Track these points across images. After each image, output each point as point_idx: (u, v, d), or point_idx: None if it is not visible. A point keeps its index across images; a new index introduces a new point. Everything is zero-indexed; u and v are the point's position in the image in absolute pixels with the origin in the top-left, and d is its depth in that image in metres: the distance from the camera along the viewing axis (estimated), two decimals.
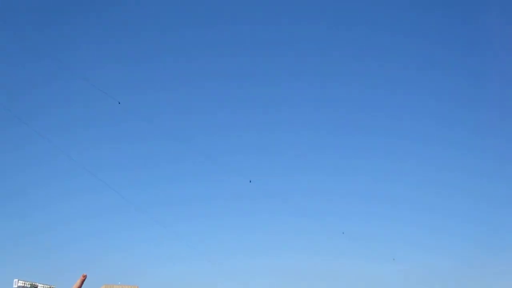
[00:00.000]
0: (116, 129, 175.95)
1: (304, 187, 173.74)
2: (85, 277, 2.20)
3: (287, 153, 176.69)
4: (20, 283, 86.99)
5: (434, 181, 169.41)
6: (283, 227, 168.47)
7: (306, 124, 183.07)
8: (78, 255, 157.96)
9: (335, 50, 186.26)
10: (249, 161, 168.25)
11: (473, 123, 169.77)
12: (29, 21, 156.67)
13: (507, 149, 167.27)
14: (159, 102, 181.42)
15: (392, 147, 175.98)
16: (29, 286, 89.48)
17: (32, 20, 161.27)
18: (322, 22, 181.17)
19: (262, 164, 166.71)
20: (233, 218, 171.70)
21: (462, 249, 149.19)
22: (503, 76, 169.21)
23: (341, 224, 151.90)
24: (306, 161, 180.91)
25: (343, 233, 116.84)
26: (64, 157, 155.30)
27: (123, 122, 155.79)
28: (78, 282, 2.04)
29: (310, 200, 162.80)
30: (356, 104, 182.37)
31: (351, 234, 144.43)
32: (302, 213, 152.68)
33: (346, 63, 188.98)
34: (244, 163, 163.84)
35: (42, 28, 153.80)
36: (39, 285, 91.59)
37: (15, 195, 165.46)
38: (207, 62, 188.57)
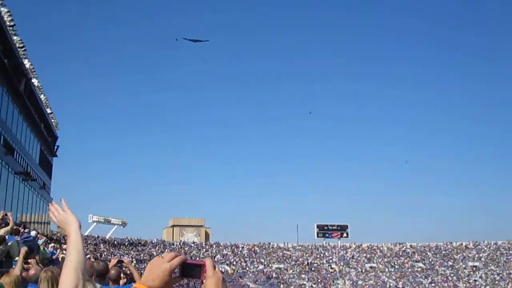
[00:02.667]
0: None
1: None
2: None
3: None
4: (95, 218, 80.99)
5: None
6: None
7: None
8: (148, 191, 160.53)
9: None
10: None
11: None
12: None
13: None
14: None
15: None
16: (103, 220, 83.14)
17: None
18: None
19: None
20: (293, 150, 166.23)
21: None
22: None
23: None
24: None
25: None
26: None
27: None
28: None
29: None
30: None
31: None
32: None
33: None
34: None
35: None
36: (112, 219, 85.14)
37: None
38: None
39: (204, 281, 1.67)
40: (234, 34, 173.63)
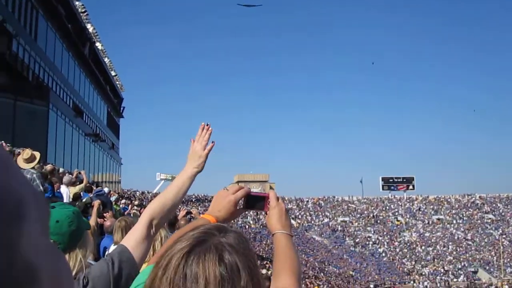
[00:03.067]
0: None
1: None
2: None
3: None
4: (163, 176, 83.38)
5: None
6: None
7: None
8: (214, 148, 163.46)
9: None
10: None
11: None
12: None
13: None
14: None
15: None
16: (171, 178, 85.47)
17: None
18: None
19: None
20: (357, 103, 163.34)
21: None
22: None
23: None
24: None
25: None
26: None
27: None
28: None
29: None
30: None
31: None
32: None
33: None
34: None
35: None
36: None
37: None
38: None
39: (267, 212, 1.72)
40: None
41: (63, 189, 10.93)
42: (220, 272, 0.88)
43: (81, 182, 12.65)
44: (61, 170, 17.03)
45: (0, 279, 0.29)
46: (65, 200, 9.96)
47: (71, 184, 11.77)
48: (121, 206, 17.61)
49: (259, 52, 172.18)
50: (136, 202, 25.06)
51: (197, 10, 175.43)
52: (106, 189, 18.76)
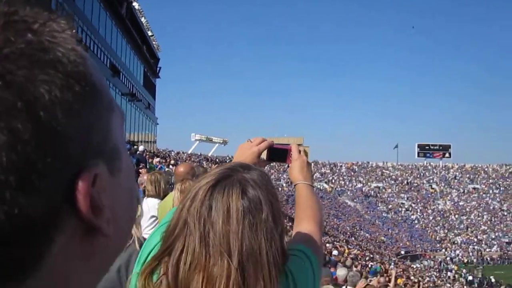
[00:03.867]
0: None
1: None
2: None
3: None
4: (197, 137, 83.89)
5: None
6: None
7: None
8: (248, 111, 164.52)
9: None
10: None
11: None
12: None
13: None
14: None
15: None
16: (205, 139, 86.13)
17: None
18: None
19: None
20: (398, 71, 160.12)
21: None
22: None
23: None
24: None
25: None
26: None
27: None
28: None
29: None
30: None
31: None
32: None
33: None
34: None
35: None
36: (214, 138, 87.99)
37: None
38: None
39: (290, 164, 1.76)
40: None
41: None
42: (243, 204, 0.95)
43: None
44: None
45: (97, 153, 0.40)
46: None
47: None
48: (155, 164, 17.99)
49: (296, 17, 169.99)
50: (172, 162, 25.48)
51: None
52: (141, 148, 19.14)
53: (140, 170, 8.74)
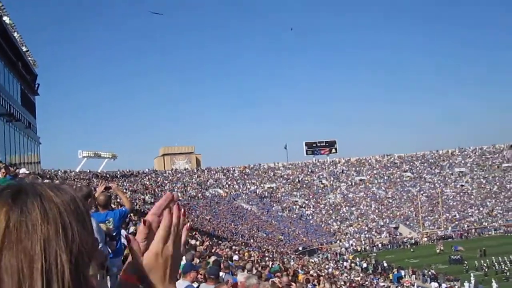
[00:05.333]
0: None
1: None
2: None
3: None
4: (85, 153, 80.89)
5: None
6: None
7: None
8: (135, 122, 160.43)
9: None
10: None
11: None
12: None
13: None
14: None
15: None
16: (93, 155, 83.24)
17: None
18: None
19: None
20: (279, 69, 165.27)
21: None
22: None
23: None
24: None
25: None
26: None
27: None
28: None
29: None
30: None
31: None
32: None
33: None
34: None
35: None
36: (102, 153, 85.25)
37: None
38: None
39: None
40: None
41: None
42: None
43: None
44: None
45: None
46: None
47: None
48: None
49: (178, 28, 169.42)
50: (57, 182, 24.07)
51: None
52: (23, 170, 17.67)
53: None
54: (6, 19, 40.07)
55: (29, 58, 49.22)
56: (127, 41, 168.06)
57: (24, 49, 46.48)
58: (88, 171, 75.25)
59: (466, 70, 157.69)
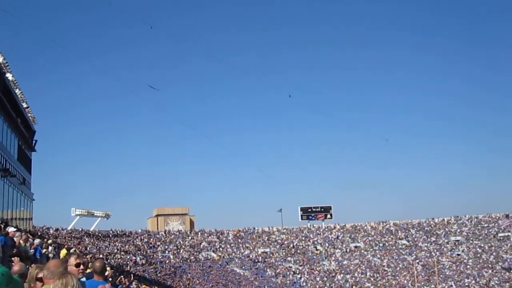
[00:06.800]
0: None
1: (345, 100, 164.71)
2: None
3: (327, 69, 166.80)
4: (78, 212, 80.00)
5: None
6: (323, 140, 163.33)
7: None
8: (130, 182, 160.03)
9: None
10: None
11: None
12: None
13: None
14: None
15: None
16: (86, 213, 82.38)
17: None
18: None
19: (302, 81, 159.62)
20: (274, 134, 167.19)
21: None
22: None
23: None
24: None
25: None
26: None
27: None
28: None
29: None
30: None
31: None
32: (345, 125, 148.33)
33: None
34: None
35: None
36: (95, 212, 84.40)
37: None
38: None
39: None
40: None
41: None
42: None
43: None
44: None
45: None
46: None
47: None
48: (33, 246, 16.59)
49: (175, 84, 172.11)
50: (50, 241, 23.81)
51: (112, 42, 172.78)
52: (11, 229, 17.18)
53: (12, 259, 7.84)
54: (9, 75, 40.66)
55: (29, 115, 49.60)
56: (124, 97, 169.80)
57: (24, 105, 46.93)
58: (80, 229, 74.35)
59: (462, 136, 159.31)
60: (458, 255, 77.09)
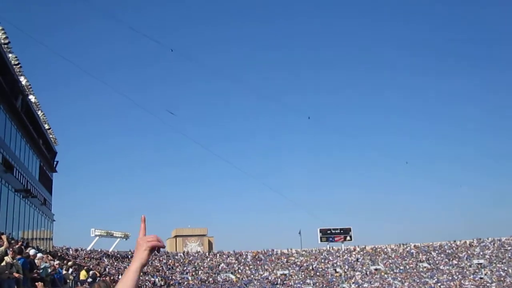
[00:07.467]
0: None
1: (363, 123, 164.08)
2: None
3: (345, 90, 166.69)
4: (97, 232, 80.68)
5: None
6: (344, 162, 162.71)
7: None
8: (149, 203, 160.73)
9: None
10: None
11: None
12: None
13: None
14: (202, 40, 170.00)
15: None
16: (105, 234, 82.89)
17: None
18: None
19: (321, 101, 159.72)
20: (293, 155, 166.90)
21: None
22: None
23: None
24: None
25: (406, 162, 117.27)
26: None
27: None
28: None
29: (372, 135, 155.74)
30: None
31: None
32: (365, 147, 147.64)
33: None
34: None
35: None
36: (115, 233, 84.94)
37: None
38: None
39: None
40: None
41: None
42: None
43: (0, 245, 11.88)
44: None
45: None
46: None
47: None
48: (53, 267, 16.64)
49: (189, 102, 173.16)
50: (70, 263, 23.87)
51: (132, 64, 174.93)
52: (32, 251, 17.34)
53: (36, 284, 7.85)
54: (31, 97, 41.38)
55: (51, 136, 50.29)
56: (139, 128, 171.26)
57: (46, 127, 47.62)
58: (99, 250, 74.67)
59: (483, 159, 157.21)
60: (481, 278, 75.49)
